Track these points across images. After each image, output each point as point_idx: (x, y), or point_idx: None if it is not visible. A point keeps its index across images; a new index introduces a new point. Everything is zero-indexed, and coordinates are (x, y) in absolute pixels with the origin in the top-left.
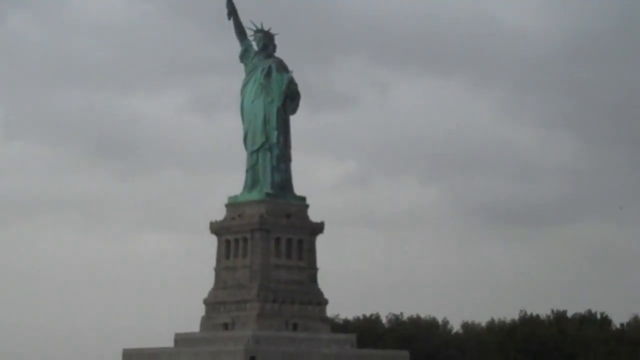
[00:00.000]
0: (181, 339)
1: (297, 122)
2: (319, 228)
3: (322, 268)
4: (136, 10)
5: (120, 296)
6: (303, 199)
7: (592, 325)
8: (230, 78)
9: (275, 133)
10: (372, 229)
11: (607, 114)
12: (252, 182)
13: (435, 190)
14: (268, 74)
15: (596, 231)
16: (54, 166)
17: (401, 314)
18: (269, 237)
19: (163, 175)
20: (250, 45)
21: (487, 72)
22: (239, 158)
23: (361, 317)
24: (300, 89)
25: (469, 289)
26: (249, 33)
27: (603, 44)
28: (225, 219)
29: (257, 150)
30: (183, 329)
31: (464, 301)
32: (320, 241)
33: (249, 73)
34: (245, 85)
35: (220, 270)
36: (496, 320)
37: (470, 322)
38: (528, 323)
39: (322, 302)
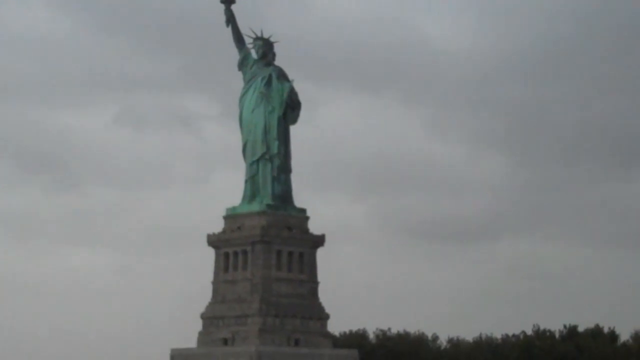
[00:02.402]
0: (178, 355)
1: (226, 138)
2: (320, 241)
3: None
4: (63, 26)
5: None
6: (303, 210)
7: (603, 340)
8: (159, 94)
9: (276, 143)
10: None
11: (533, 133)
12: (251, 193)
13: (364, 207)
14: (268, 83)
15: (521, 248)
16: None
17: (389, 329)
18: (270, 250)
19: (92, 190)
20: (249, 53)
21: (416, 90)
22: (171, 174)
23: (347, 332)
24: (231, 105)
25: (400, 305)
26: (248, 41)
27: (530, 64)
28: (224, 231)
29: (257, 161)
30: (169, 345)
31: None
32: None
33: (248, 82)
34: (244, 94)
35: (218, 283)
36: (483, 336)
37: (456, 337)
38: (541, 338)
39: (324, 317)
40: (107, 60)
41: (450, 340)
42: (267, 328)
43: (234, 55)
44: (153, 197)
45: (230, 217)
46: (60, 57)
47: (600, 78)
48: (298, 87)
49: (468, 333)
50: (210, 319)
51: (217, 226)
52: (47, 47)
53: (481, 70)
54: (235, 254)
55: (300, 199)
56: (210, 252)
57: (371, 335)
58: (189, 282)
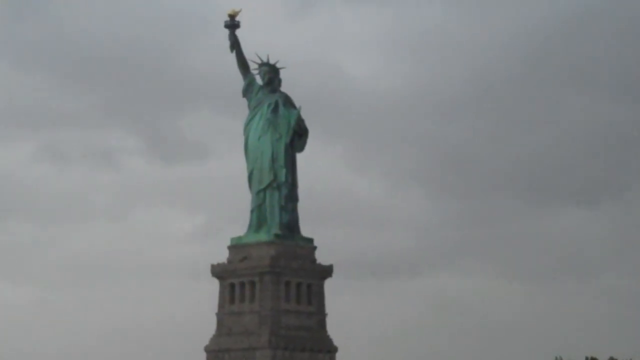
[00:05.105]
0: None
1: (147, 172)
2: (327, 271)
3: None
4: None
5: None
6: (311, 240)
7: None
8: (79, 129)
9: (284, 171)
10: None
11: (455, 168)
12: (257, 222)
13: None
14: (275, 110)
15: (442, 284)
16: None
17: None
18: (279, 281)
19: (11, 225)
20: (254, 79)
21: (335, 126)
22: (92, 208)
23: None
24: (152, 140)
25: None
26: (253, 66)
27: (452, 101)
28: (229, 262)
29: (264, 189)
30: None
31: None
32: None
33: (254, 109)
34: (249, 121)
35: (223, 315)
36: None
37: None
38: None
39: (332, 350)
40: (26, 95)
41: None
42: None
43: (154, 89)
44: (73, 231)
45: (236, 246)
46: None
47: (523, 115)
48: (218, 122)
49: None
50: (215, 352)
51: (140, 259)
52: None
53: (399, 104)
54: (242, 284)
55: (219, 235)
56: (131, 286)
57: None
58: (110, 315)
